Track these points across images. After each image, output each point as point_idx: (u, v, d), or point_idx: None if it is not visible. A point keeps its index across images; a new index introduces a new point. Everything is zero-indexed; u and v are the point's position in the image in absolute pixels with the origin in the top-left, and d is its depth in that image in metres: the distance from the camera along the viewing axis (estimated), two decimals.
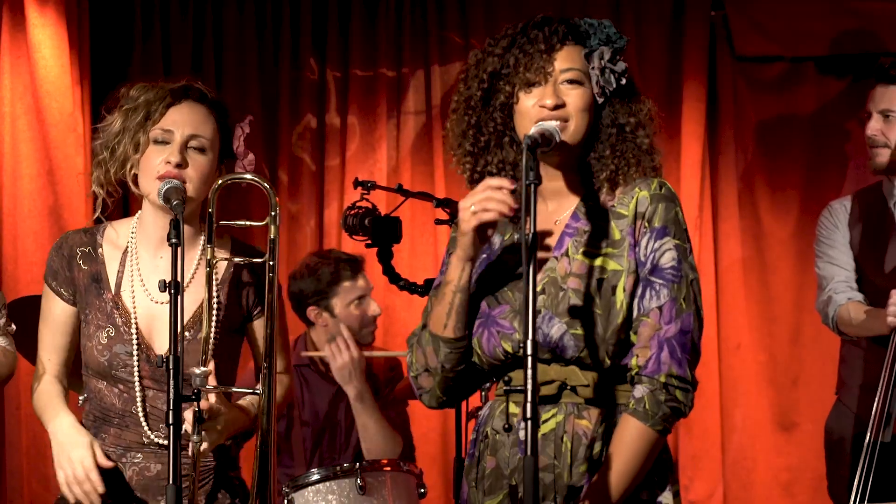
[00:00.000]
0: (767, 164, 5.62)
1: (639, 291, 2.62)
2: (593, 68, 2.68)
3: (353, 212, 3.98)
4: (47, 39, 5.12)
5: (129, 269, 3.12)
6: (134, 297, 3.10)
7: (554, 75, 2.67)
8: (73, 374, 3.22)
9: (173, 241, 2.75)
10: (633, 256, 2.64)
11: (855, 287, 4.26)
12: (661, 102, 5.65)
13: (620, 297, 2.62)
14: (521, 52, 2.68)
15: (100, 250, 3.14)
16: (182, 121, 3.06)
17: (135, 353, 3.06)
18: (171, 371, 2.71)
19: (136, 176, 3.10)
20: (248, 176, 3.02)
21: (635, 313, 2.62)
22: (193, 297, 3.07)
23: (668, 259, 2.62)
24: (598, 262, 2.64)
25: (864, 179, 5.46)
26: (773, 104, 5.64)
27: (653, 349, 2.59)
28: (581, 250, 2.66)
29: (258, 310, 3.16)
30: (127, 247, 3.14)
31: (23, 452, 5.04)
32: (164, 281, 2.77)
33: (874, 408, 3.85)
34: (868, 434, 3.85)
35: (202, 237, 3.12)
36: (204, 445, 2.91)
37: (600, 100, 2.69)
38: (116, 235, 3.16)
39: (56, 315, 3.17)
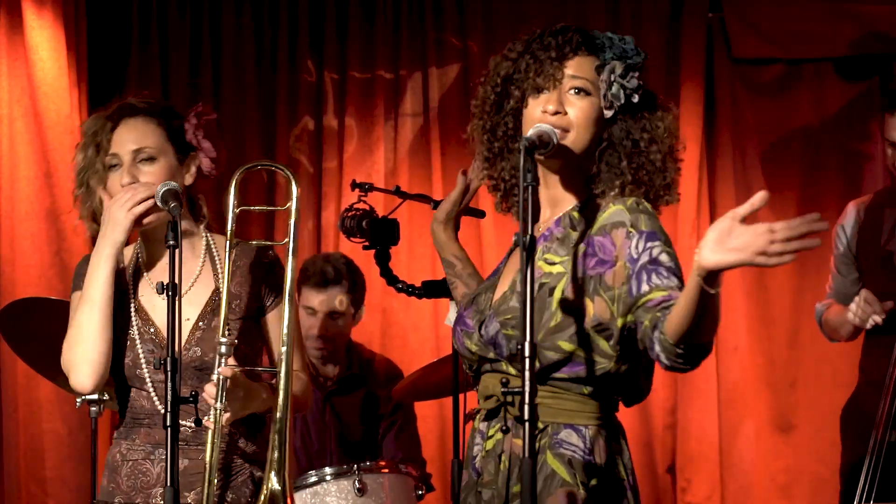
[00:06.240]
0: (765, 167, 5.61)
1: (641, 277, 2.55)
2: (602, 81, 2.69)
3: (350, 214, 3.97)
4: (45, 41, 5.12)
5: (143, 276, 3.18)
6: (150, 299, 3.15)
7: (562, 83, 2.68)
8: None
9: (171, 243, 2.78)
10: (582, 265, 2.61)
11: (850, 295, 4.23)
12: None
13: (557, 297, 2.61)
14: (533, 57, 2.69)
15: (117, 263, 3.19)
16: (122, 140, 3.15)
17: (155, 350, 3.10)
18: (170, 373, 2.73)
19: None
20: (266, 162, 3.06)
21: (644, 288, 2.54)
22: (204, 289, 3.14)
23: (666, 258, 2.58)
24: (552, 268, 2.64)
25: (862, 181, 5.47)
26: (771, 106, 5.64)
27: None
28: (544, 256, 2.66)
29: (271, 301, 3.19)
30: (136, 255, 3.20)
31: (20, 454, 5.04)
32: (162, 283, 2.81)
33: (881, 407, 3.85)
34: (874, 433, 3.85)
35: (203, 235, 3.19)
36: (226, 415, 2.94)
37: (608, 113, 2.69)
38: (123, 254, 3.21)
39: None
